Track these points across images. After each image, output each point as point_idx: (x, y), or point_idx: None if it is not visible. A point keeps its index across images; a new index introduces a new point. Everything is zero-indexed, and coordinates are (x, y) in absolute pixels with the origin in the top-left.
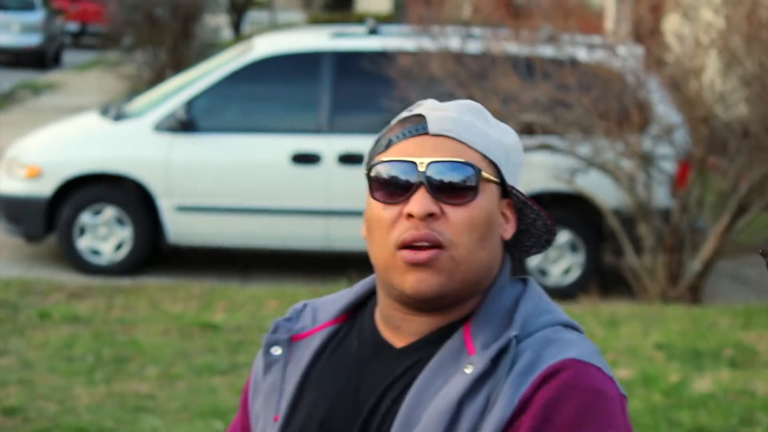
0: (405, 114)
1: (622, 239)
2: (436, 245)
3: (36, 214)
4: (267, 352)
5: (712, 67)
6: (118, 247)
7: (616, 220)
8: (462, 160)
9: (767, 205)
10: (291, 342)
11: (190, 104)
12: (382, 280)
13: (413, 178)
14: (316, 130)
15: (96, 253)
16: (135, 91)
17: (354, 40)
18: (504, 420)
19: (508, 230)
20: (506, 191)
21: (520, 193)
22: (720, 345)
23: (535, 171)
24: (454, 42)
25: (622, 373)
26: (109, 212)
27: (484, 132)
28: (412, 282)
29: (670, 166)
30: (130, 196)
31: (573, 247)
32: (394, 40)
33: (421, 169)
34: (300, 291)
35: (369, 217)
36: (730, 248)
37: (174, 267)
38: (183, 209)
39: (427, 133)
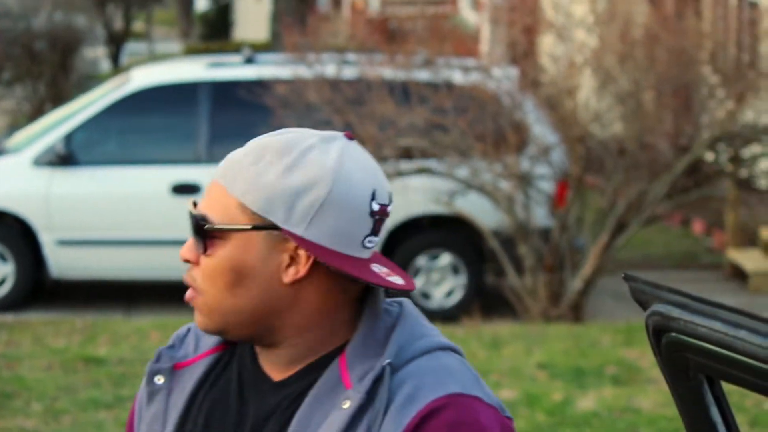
0: None
1: (502, 260)
2: (193, 288)
3: None
4: (150, 381)
5: (586, 86)
6: (1, 282)
7: (496, 241)
8: (195, 211)
9: (645, 221)
10: (174, 370)
11: (68, 138)
12: None
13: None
14: (195, 160)
15: None
16: (14, 126)
17: (230, 69)
18: None
19: (290, 273)
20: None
21: (311, 242)
22: (602, 363)
23: (414, 194)
24: (329, 69)
25: (505, 394)
26: None
27: (254, 176)
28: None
29: (548, 186)
30: (11, 231)
31: (455, 269)
32: (270, 68)
33: (189, 215)
34: (184, 321)
35: None
36: (610, 266)
37: (57, 301)
38: (64, 243)
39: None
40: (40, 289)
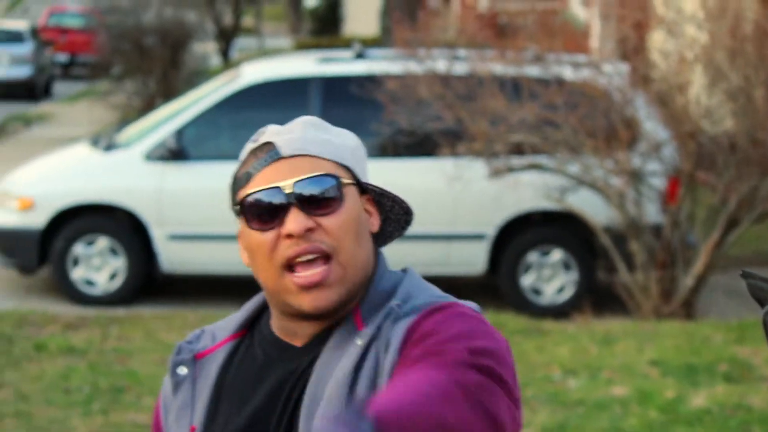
0: (252, 145)
1: (614, 256)
2: (322, 254)
3: (29, 245)
4: (174, 373)
5: (697, 82)
6: (112, 277)
7: (607, 237)
8: (321, 172)
9: (757, 218)
10: (195, 360)
11: (179, 133)
12: (275, 299)
13: (282, 201)
14: None
15: (90, 283)
16: (125, 121)
17: (341, 65)
18: (396, 351)
19: (374, 223)
20: (363, 188)
21: (375, 186)
22: (715, 360)
23: (526, 190)
24: (440, 64)
25: (617, 391)
26: (103, 242)
27: (328, 141)
28: (310, 301)
29: (659, 182)
30: (122, 225)
31: (566, 266)
32: (380, 63)
33: (287, 191)
34: None
35: (249, 246)
36: (722, 262)
37: (168, 295)
38: (176, 237)
39: (281, 158)
40: (151, 283)
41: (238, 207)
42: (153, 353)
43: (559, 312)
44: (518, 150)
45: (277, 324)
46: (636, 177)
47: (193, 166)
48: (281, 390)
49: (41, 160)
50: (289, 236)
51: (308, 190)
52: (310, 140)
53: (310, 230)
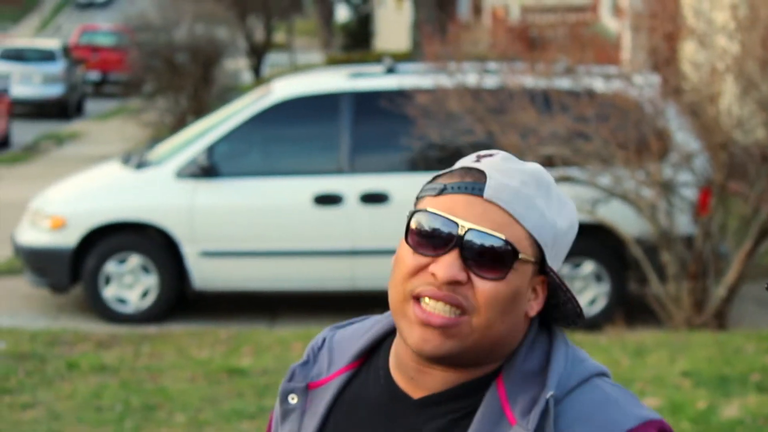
0: (470, 163)
1: (646, 268)
2: (458, 308)
3: (61, 264)
4: (284, 400)
5: (729, 92)
6: (144, 294)
7: (639, 248)
8: (503, 237)
9: None
10: (308, 390)
11: (211, 150)
12: (395, 320)
13: (450, 238)
14: (338, 171)
15: (122, 301)
16: (156, 139)
17: (372, 79)
18: None
19: (534, 307)
20: (543, 270)
21: (557, 276)
22: (747, 370)
23: None
24: (470, 78)
25: (650, 402)
26: (134, 260)
27: (539, 211)
28: (417, 338)
29: (691, 193)
30: (154, 243)
31: (597, 278)
32: (411, 78)
33: (461, 232)
34: None
35: (398, 254)
36: (754, 272)
37: (200, 313)
38: (207, 254)
39: (481, 196)
40: (183, 300)
41: (410, 213)
42: (185, 370)
43: (591, 324)
44: (549, 162)
45: (397, 358)
46: (667, 188)
47: (224, 182)
48: None
49: (73, 178)
50: (434, 275)
51: (479, 244)
52: (521, 197)
53: (457, 283)
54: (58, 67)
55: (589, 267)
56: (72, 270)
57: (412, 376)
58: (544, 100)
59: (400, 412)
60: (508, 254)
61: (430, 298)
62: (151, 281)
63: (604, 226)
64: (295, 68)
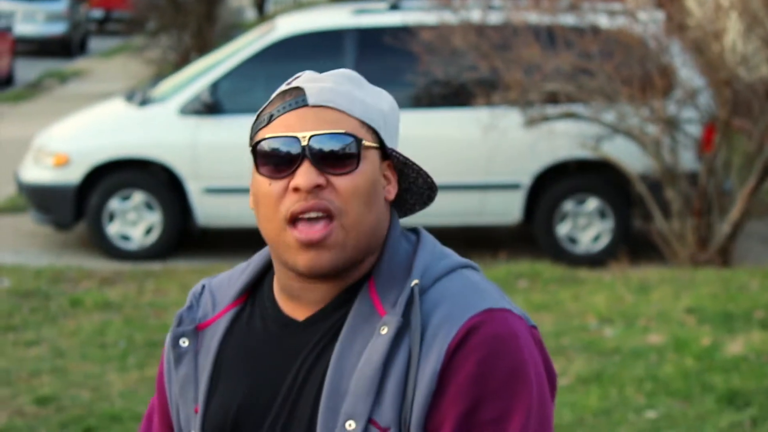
0: (284, 87)
1: (650, 204)
2: (327, 214)
3: (65, 202)
4: (176, 345)
5: (733, 29)
6: (148, 231)
7: (643, 185)
8: (342, 131)
9: None
10: (197, 331)
11: (214, 87)
12: (275, 253)
13: (296, 152)
14: None
15: (126, 238)
16: (160, 76)
17: (376, 16)
18: (435, 372)
19: (391, 191)
20: (386, 154)
21: (399, 154)
22: (751, 307)
23: (561, 139)
24: (475, 14)
25: (653, 339)
26: (138, 197)
27: (361, 100)
28: (306, 261)
29: (695, 130)
30: (158, 180)
31: (602, 214)
32: (415, 14)
33: (304, 142)
34: None
35: (255, 191)
36: (758, 209)
37: (204, 249)
38: (211, 191)
39: (306, 105)
40: (186, 237)
41: (251, 148)
42: None
43: (595, 260)
44: (553, 99)
45: (279, 283)
46: (672, 125)
47: (227, 119)
48: (283, 374)
49: (76, 116)
50: (297, 190)
51: (325, 146)
52: (341, 93)
53: (319, 187)
54: (61, 4)
55: (593, 204)
56: (76, 207)
57: (297, 295)
58: (549, 37)
59: (289, 335)
60: (353, 144)
61: (300, 213)
62: (154, 218)
63: (609, 163)
64: (299, 5)
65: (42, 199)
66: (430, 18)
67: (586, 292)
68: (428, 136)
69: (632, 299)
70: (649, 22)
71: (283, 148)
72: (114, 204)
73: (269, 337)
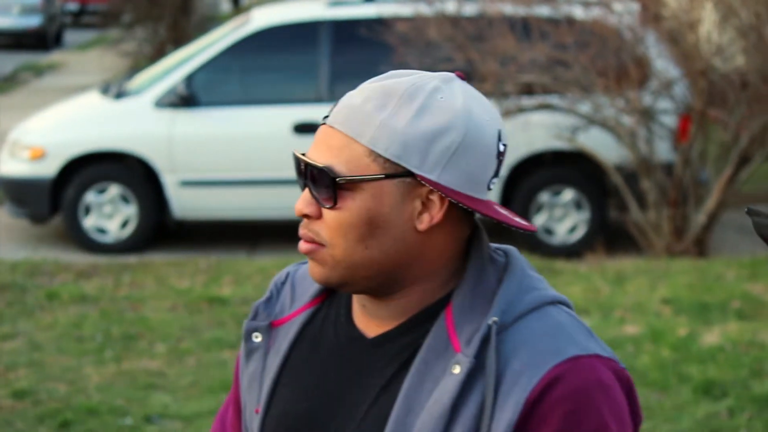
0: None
1: (625, 195)
2: (312, 242)
3: (41, 195)
4: (249, 339)
5: (708, 19)
6: (124, 224)
7: (619, 176)
8: (320, 164)
9: None
10: (271, 328)
11: (190, 79)
12: None
13: (300, 176)
14: (317, 99)
15: (102, 231)
16: (135, 69)
17: (351, 8)
18: (511, 423)
19: (426, 220)
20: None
21: (434, 183)
22: (727, 297)
23: (536, 130)
24: (450, 5)
25: (630, 330)
26: (114, 190)
27: (378, 122)
28: (310, 267)
29: (670, 120)
30: (133, 173)
31: (578, 205)
32: (390, 6)
33: (302, 167)
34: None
35: None
36: (734, 199)
37: (180, 242)
38: (187, 184)
39: (326, 123)
40: (163, 230)
41: None
42: (165, 300)
43: (571, 251)
44: (529, 90)
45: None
46: (647, 115)
47: (203, 112)
48: (346, 393)
49: (52, 109)
50: None
51: (312, 175)
52: (358, 113)
53: (307, 217)
54: None
55: (569, 195)
56: (51, 200)
57: (367, 308)
58: (524, 28)
59: (356, 352)
60: (328, 180)
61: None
62: (130, 211)
63: (584, 154)
64: None
65: (18, 193)
66: (405, 10)
67: (563, 283)
68: None
69: (608, 290)
70: (624, 12)
71: (296, 166)
72: (90, 197)
73: (338, 350)
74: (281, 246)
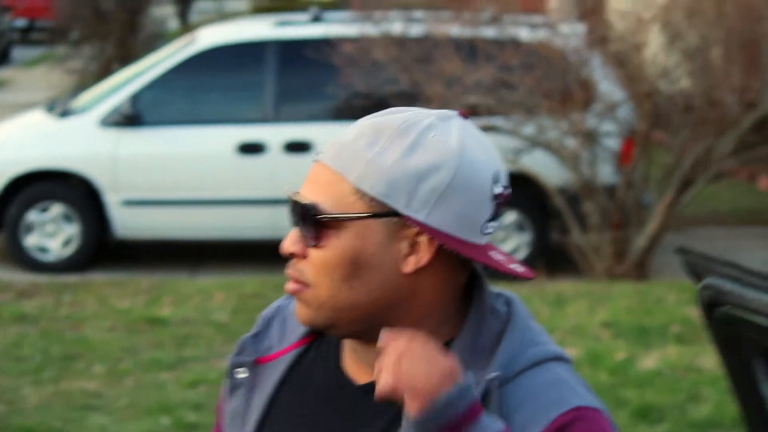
0: None
1: (567, 217)
2: (297, 282)
3: None
4: (232, 375)
5: (654, 42)
6: (66, 243)
7: (561, 198)
8: (305, 201)
9: (712, 178)
10: (256, 365)
11: (135, 98)
12: None
13: (291, 213)
14: (262, 120)
15: (43, 250)
16: (82, 86)
17: (297, 28)
18: None
19: (412, 262)
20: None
21: (419, 223)
22: (667, 321)
23: None
24: (396, 26)
25: (569, 353)
26: (57, 209)
27: (367, 159)
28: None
29: (614, 143)
30: (77, 192)
31: (520, 227)
32: (337, 26)
33: (292, 205)
34: (248, 281)
35: None
36: (676, 223)
37: (122, 262)
38: (130, 203)
39: (318, 160)
40: (105, 249)
41: None
42: (106, 320)
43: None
44: (474, 112)
45: None
46: (591, 138)
47: (148, 131)
48: None
49: None
50: None
51: (297, 213)
52: (347, 150)
53: (293, 255)
54: None
55: (511, 216)
56: None
57: (356, 351)
58: (470, 50)
59: (345, 399)
60: (311, 218)
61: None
62: (73, 230)
63: (527, 176)
64: (223, 16)
65: None
66: (351, 30)
67: None
68: None
69: (548, 312)
70: (570, 35)
71: (288, 202)
72: (32, 216)
73: (325, 396)
74: (223, 267)
